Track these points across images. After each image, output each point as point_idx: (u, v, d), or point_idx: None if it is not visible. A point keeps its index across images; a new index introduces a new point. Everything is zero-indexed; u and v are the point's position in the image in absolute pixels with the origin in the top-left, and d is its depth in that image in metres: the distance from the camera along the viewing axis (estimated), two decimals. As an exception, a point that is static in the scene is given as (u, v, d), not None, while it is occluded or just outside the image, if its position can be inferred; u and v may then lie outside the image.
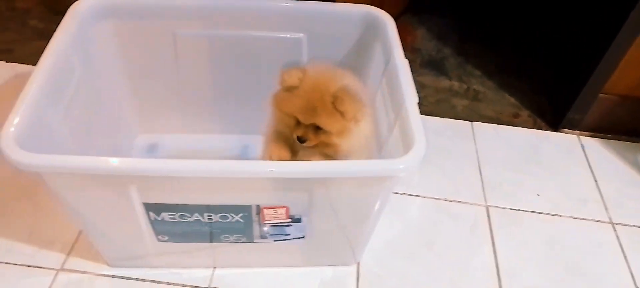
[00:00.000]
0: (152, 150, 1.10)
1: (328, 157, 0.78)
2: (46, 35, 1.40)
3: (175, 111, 1.09)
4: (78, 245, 0.92)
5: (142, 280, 0.89)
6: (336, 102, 0.73)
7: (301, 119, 0.75)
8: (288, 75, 0.77)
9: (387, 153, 0.83)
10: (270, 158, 0.79)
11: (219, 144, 1.13)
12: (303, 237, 0.85)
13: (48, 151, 0.67)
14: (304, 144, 0.77)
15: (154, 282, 0.89)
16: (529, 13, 1.69)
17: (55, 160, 0.64)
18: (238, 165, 0.70)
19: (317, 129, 0.76)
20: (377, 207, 0.80)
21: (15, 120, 0.68)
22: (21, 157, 0.63)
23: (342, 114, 0.74)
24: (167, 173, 0.67)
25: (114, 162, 0.66)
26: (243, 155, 1.13)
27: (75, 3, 0.88)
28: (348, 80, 0.78)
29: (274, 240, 0.85)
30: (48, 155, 0.65)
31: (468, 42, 1.56)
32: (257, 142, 1.13)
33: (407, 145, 0.71)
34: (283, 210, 0.78)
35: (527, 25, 1.65)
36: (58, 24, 1.42)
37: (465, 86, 1.40)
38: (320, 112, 0.74)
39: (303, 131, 0.76)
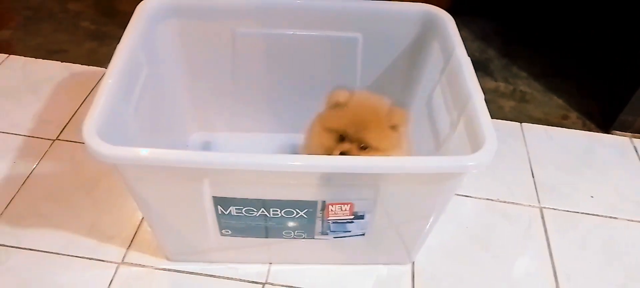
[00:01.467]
0: (206, 148, 1.11)
1: None
2: (97, 37, 1.47)
3: (229, 109, 1.10)
4: (137, 239, 0.94)
5: (200, 274, 0.90)
6: (394, 117, 0.75)
7: (350, 132, 0.76)
8: (336, 94, 0.79)
9: (449, 151, 0.83)
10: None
11: (270, 142, 1.14)
12: (363, 235, 0.85)
13: (124, 144, 0.69)
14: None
15: (212, 276, 0.90)
16: (573, 14, 1.67)
17: (138, 153, 0.66)
18: (313, 160, 0.70)
19: (362, 148, 0.76)
20: (439, 206, 0.80)
21: (95, 114, 0.70)
22: (105, 149, 0.65)
23: (395, 127, 0.76)
24: (243, 167, 0.68)
25: (193, 155, 0.68)
26: (294, 153, 1.14)
27: (142, 3, 0.90)
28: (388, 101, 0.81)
29: (334, 237, 0.86)
30: (130, 148, 0.66)
31: (512, 43, 1.55)
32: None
33: (476, 143, 0.71)
34: (348, 207, 0.79)
35: (571, 26, 1.63)
36: (108, 25, 1.49)
37: (511, 87, 1.39)
38: (371, 127, 0.75)
39: (348, 147, 0.76)
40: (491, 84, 1.39)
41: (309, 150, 0.85)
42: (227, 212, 0.79)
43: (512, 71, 1.45)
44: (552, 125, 1.27)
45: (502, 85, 1.39)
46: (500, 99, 1.34)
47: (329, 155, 0.77)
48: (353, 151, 0.76)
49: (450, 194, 0.79)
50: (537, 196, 1.08)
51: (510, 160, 1.15)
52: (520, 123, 1.26)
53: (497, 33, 1.58)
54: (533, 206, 1.06)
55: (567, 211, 1.06)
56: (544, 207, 1.06)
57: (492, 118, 0.72)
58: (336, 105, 0.79)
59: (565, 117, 1.31)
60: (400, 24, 0.97)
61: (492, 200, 1.06)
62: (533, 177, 1.12)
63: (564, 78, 1.44)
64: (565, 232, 1.02)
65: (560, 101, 1.37)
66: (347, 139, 0.77)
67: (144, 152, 0.66)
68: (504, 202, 1.06)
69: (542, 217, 1.04)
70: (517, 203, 1.06)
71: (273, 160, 0.68)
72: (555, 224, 1.03)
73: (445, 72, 0.89)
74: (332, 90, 0.81)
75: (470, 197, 1.06)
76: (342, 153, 0.75)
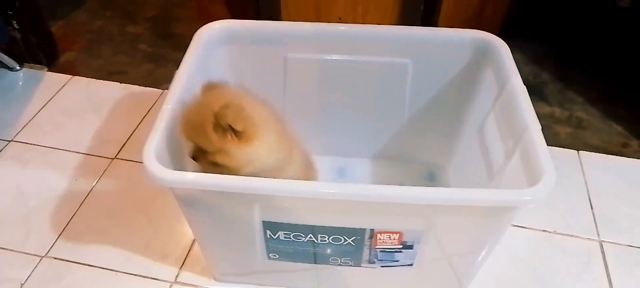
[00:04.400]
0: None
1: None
2: (154, 59, 1.54)
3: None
4: (189, 259, 0.97)
5: (250, 296, 0.91)
6: (219, 118, 0.68)
7: (186, 138, 0.72)
8: (202, 88, 0.76)
9: (503, 183, 0.81)
10: None
11: (319, 165, 1.14)
12: (411, 265, 0.84)
13: (180, 168, 0.71)
14: (199, 163, 0.74)
15: (261, 299, 0.91)
16: (631, 35, 1.59)
17: (193, 178, 0.68)
18: (359, 189, 0.70)
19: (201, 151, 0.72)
20: (493, 239, 0.78)
21: (155, 138, 0.72)
22: (163, 173, 0.67)
23: (225, 129, 0.69)
24: (291, 194, 0.69)
25: (244, 181, 0.69)
26: (340, 176, 1.15)
27: (200, 30, 0.94)
28: (239, 99, 0.74)
29: (381, 266, 0.85)
30: (186, 172, 0.68)
31: (567, 67, 1.49)
32: (354, 164, 1.16)
33: (532, 175, 0.69)
34: (396, 236, 0.78)
35: (629, 48, 1.56)
36: (164, 48, 1.56)
37: (567, 113, 1.33)
38: (200, 131, 0.70)
39: (194, 149, 0.73)
40: (546, 109, 1.34)
41: None
42: (276, 236, 0.79)
43: (568, 96, 1.39)
44: (611, 154, 1.21)
45: (557, 111, 1.34)
46: (555, 125, 1.29)
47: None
48: (198, 154, 0.72)
49: (505, 227, 0.76)
50: (597, 229, 1.03)
51: (567, 190, 1.10)
52: (577, 151, 1.21)
53: (551, 56, 1.53)
54: (592, 239, 1.01)
55: (630, 246, 1.00)
56: (604, 241, 1.01)
57: (547, 145, 0.70)
58: (189, 106, 0.75)
59: (625, 145, 1.25)
60: (451, 50, 0.96)
61: (548, 232, 1.02)
62: (591, 208, 1.07)
63: (623, 104, 1.37)
64: (628, 268, 0.96)
65: (619, 128, 1.30)
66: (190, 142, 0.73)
67: (198, 177, 0.68)
68: (561, 234, 1.02)
69: (603, 251, 0.99)
70: (575, 236, 1.01)
71: (321, 188, 0.69)
72: (617, 259, 0.97)
73: (499, 100, 0.87)
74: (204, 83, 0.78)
75: (525, 227, 1.02)
76: (193, 158, 0.73)
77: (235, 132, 0.70)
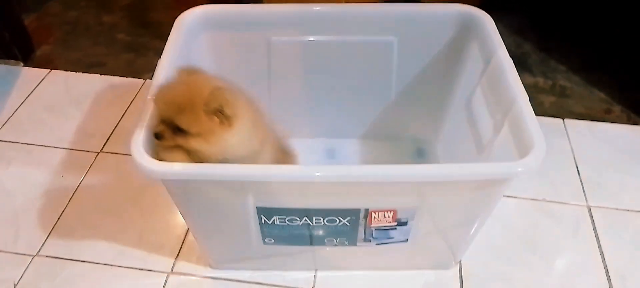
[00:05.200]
0: (244, 156, 1.13)
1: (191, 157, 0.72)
2: (133, 48, 1.51)
3: (266, 116, 1.11)
4: (184, 248, 0.96)
5: (248, 282, 0.91)
6: (212, 101, 0.68)
7: (166, 114, 0.70)
8: (179, 72, 0.74)
9: (493, 156, 0.82)
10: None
11: (307, 147, 1.14)
12: (406, 241, 0.85)
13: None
14: (160, 143, 0.70)
15: (260, 284, 0.91)
16: (610, 6, 1.61)
17: (184, 168, 0.67)
18: (353, 170, 0.70)
19: (177, 130, 0.70)
20: (485, 211, 0.79)
21: (142, 130, 0.71)
22: (153, 165, 0.66)
23: (217, 112, 0.69)
24: (284, 179, 0.69)
25: (236, 169, 0.68)
26: (329, 158, 1.15)
27: (179, 17, 0.92)
28: (225, 85, 0.73)
29: (376, 244, 0.85)
30: (176, 163, 0.68)
31: (549, 36, 1.50)
32: (343, 145, 1.16)
33: (523, 147, 0.70)
34: (391, 214, 0.78)
35: (610, 15, 1.58)
36: (143, 36, 1.53)
37: (550, 82, 1.35)
38: (185, 110, 0.68)
39: (162, 128, 0.70)
40: (529, 79, 1.35)
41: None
42: (271, 221, 0.79)
43: (550, 65, 1.41)
44: (595, 120, 1.23)
45: (541, 81, 1.35)
46: (539, 94, 1.31)
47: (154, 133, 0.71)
48: (166, 133, 0.69)
49: (497, 199, 0.77)
50: (584, 194, 1.05)
51: (554, 158, 1.12)
52: (562, 119, 1.22)
53: (533, 27, 1.54)
54: (580, 205, 1.03)
55: (617, 209, 1.02)
56: (592, 206, 1.03)
57: (532, 115, 0.70)
58: (171, 84, 0.73)
59: (608, 111, 1.27)
60: (436, 25, 0.96)
61: (537, 200, 1.04)
62: (579, 174, 1.09)
63: (605, 70, 1.39)
64: (617, 231, 0.98)
65: (602, 94, 1.32)
66: (165, 120, 0.71)
67: (189, 168, 0.67)
68: (550, 201, 1.04)
69: (591, 216, 1.01)
70: (563, 203, 1.03)
71: (314, 171, 0.68)
72: (605, 223, 1.00)
73: (485, 73, 0.87)
74: (182, 67, 0.76)
75: (514, 197, 1.04)
76: (155, 135, 0.70)
77: (225, 116, 0.69)
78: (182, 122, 0.69)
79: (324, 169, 0.70)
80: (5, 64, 1.41)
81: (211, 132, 0.70)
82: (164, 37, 0.87)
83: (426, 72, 1.03)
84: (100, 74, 1.38)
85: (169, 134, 0.70)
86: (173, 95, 0.70)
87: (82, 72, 1.39)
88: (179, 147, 0.71)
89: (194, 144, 0.70)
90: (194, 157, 0.72)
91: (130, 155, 0.67)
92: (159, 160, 0.68)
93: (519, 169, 0.67)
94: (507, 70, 0.80)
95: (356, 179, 0.68)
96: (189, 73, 0.75)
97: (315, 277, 0.92)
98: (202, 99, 0.68)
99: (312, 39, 0.99)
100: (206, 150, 0.71)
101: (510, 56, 0.82)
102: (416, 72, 1.03)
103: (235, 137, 0.72)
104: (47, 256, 0.95)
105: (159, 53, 0.83)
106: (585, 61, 1.42)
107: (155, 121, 0.72)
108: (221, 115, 0.70)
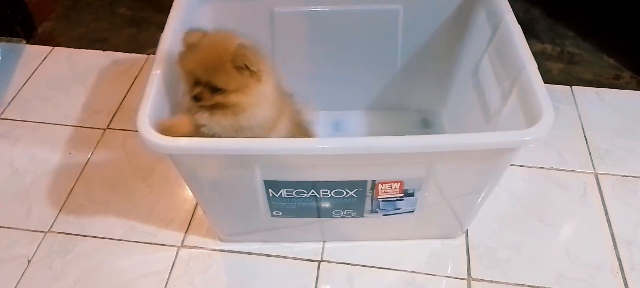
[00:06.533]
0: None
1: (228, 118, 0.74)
2: (135, 22, 1.49)
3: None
4: (194, 222, 0.97)
5: (257, 254, 0.92)
6: (237, 58, 0.70)
7: (200, 74, 0.71)
8: (188, 35, 0.74)
9: (500, 124, 0.81)
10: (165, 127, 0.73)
11: (312, 120, 1.14)
12: (412, 211, 0.85)
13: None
14: (200, 104, 0.72)
15: (268, 255, 0.92)
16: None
17: (191, 143, 0.67)
18: (359, 142, 0.70)
19: (214, 90, 0.71)
20: (493, 180, 0.79)
21: (146, 105, 0.71)
22: (160, 140, 0.67)
23: (242, 69, 0.70)
24: (291, 152, 0.69)
25: (243, 142, 0.68)
26: (335, 130, 1.14)
27: (182, -12, 0.90)
28: (245, 41, 0.74)
29: (383, 215, 0.86)
30: (183, 138, 0.68)
31: (558, 2, 1.47)
32: (348, 117, 1.15)
33: (531, 115, 0.69)
34: (397, 185, 0.78)
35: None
36: (144, 11, 1.51)
37: (558, 49, 1.33)
38: (218, 69, 0.70)
39: (200, 90, 0.71)
40: (537, 46, 1.33)
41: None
42: (278, 194, 0.80)
43: (559, 31, 1.38)
44: (604, 87, 1.22)
45: (548, 47, 1.33)
46: (547, 61, 1.29)
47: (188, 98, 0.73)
48: (205, 94, 0.71)
49: (504, 168, 0.77)
50: (592, 162, 1.05)
51: (562, 125, 1.11)
52: (570, 86, 1.21)
53: (541, -10, 1.51)
54: (588, 172, 1.03)
55: (624, 176, 1.02)
56: (599, 173, 1.03)
57: (540, 83, 0.69)
58: (190, 47, 0.74)
59: (617, 77, 1.25)
60: (442, -8, 0.94)
61: (544, 168, 1.04)
62: (586, 142, 1.08)
63: (614, 35, 1.36)
64: (624, 198, 0.98)
65: (611, 60, 1.30)
66: (200, 82, 0.72)
67: (195, 142, 0.67)
68: (557, 169, 1.03)
69: (598, 184, 1.01)
70: (570, 171, 1.03)
71: (321, 144, 0.68)
72: (613, 190, 1.00)
73: (493, 41, 0.86)
74: (186, 31, 0.76)
75: (521, 166, 1.04)
76: (194, 98, 0.71)
77: (251, 72, 0.71)
78: (220, 81, 0.70)
79: (331, 142, 0.70)
80: (8, 41, 1.40)
81: (246, 85, 0.72)
82: (165, 10, 0.86)
83: (432, 41, 1.01)
84: (103, 50, 1.37)
85: (207, 94, 0.71)
86: (201, 57, 0.71)
87: (85, 49, 1.38)
88: (222, 106, 0.72)
89: (233, 98, 0.72)
90: (230, 115, 0.73)
91: (137, 131, 0.67)
92: (196, 126, 0.70)
93: (528, 138, 0.67)
94: (516, 36, 0.79)
95: (364, 151, 0.68)
96: (202, 35, 0.75)
97: (323, 248, 0.93)
98: (229, 56, 0.70)
99: (315, 9, 0.97)
100: (244, 102, 0.72)
101: (518, 22, 0.81)
102: (422, 41, 1.02)
103: (267, 89, 0.75)
104: (59, 232, 0.96)
105: (161, 27, 0.82)
106: (594, 26, 1.39)
107: (187, 85, 0.73)
108: (248, 70, 0.71)
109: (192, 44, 0.73)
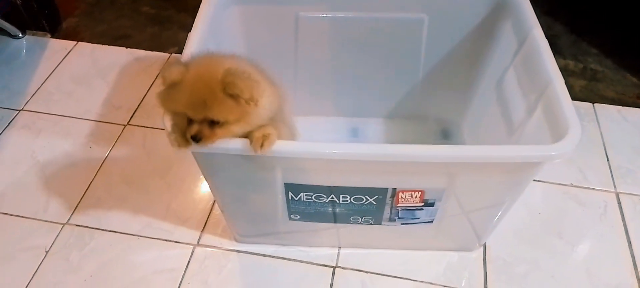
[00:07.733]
0: (269, 132, 1.13)
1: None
2: (158, 21, 1.50)
3: (292, 93, 1.10)
4: (210, 221, 0.98)
5: (272, 256, 0.92)
6: (227, 88, 0.64)
7: (191, 115, 0.66)
8: (168, 72, 0.66)
9: (524, 138, 0.80)
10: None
11: (332, 126, 1.14)
12: (431, 221, 0.85)
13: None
14: (202, 143, 0.66)
15: (283, 258, 0.92)
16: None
17: (221, 143, 0.67)
18: (384, 149, 0.70)
19: (213, 123, 0.66)
20: (514, 194, 0.78)
21: (174, 104, 0.71)
22: (186, 139, 0.67)
23: (236, 97, 0.64)
24: (315, 156, 0.69)
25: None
26: (353, 137, 1.14)
27: (209, -10, 0.91)
28: (233, 61, 0.69)
29: (401, 224, 0.85)
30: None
31: (580, 18, 1.46)
32: (366, 124, 1.15)
33: (557, 130, 0.69)
34: (418, 194, 0.78)
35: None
36: (167, 10, 1.53)
37: (581, 65, 1.32)
38: (211, 102, 0.64)
39: (197, 129, 0.66)
40: (560, 62, 1.30)
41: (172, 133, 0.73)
42: (298, 198, 0.80)
43: (582, 48, 1.37)
44: (626, 105, 1.20)
45: (571, 63, 1.32)
46: (569, 77, 1.28)
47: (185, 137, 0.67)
48: (204, 131, 0.66)
49: (526, 182, 0.76)
50: (613, 180, 1.03)
51: (583, 143, 1.09)
52: (593, 103, 1.20)
53: (564, 7, 1.50)
54: (608, 191, 1.02)
55: (646, 197, 1.01)
56: (620, 192, 1.01)
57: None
58: (171, 86, 0.67)
59: (640, 97, 1.24)
60: (469, 3, 0.94)
61: (564, 185, 1.03)
62: (608, 160, 1.07)
63: (637, 55, 1.35)
64: (644, 219, 0.97)
65: (634, 79, 1.28)
66: (194, 120, 0.67)
67: (222, 142, 0.67)
68: (578, 186, 1.02)
69: (619, 203, 0.99)
70: (591, 188, 1.02)
71: (346, 149, 0.68)
72: (634, 210, 0.98)
73: (519, 54, 0.85)
74: (164, 67, 0.70)
75: (541, 182, 1.03)
76: (193, 138, 0.66)
77: (246, 100, 0.66)
78: (218, 115, 0.65)
79: (356, 147, 0.70)
80: (34, 35, 1.43)
81: (246, 113, 0.67)
82: (188, 10, 0.86)
83: (456, 51, 1.01)
84: (126, 47, 1.38)
85: (207, 130, 0.67)
86: (190, 96, 0.66)
87: (108, 45, 1.39)
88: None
89: (236, 129, 0.68)
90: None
91: (157, 128, 0.67)
92: None
93: (553, 153, 0.66)
94: (543, 50, 0.79)
95: (387, 158, 0.68)
96: (183, 70, 0.67)
97: (338, 254, 0.92)
98: (220, 85, 0.65)
99: (341, 15, 0.97)
100: (248, 127, 0.68)
101: (542, 37, 0.80)
102: (446, 51, 1.02)
103: (267, 101, 0.69)
104: (76, 225, 0.97)
105: (183, 27, 0.82)
106: (617, 44, 1.37)
107: (181, 125, 0.68)
108: (236, 98, 0.66)
109: (174, 82, 0.66)
